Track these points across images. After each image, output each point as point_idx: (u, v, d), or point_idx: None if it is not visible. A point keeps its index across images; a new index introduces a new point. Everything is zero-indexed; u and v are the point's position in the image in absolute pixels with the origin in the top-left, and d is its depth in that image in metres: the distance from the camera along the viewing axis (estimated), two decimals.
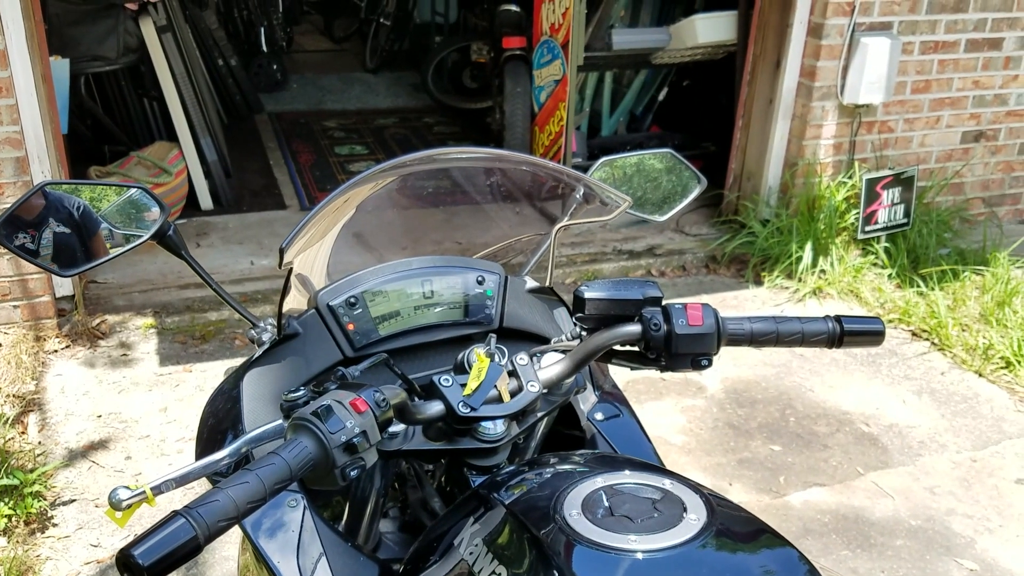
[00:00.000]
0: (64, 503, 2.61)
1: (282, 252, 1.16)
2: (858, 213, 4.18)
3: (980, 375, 3.51)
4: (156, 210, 1.29)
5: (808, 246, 4.08)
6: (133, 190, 1.30)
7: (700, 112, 5.27)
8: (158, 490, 0.94)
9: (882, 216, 4.24)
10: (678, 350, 1.13)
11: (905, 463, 3.00)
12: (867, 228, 4.21)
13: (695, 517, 0.93)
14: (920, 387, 3.43)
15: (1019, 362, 3.48)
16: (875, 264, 4.18)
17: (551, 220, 1.51)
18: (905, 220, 4.29)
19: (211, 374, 3.23)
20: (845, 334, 1.19)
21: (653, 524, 0.91)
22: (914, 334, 3.79)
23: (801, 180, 4.25)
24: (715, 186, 4.48)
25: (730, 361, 3.51)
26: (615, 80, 5.21)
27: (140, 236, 1.28)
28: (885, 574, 2.51)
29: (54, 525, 2.53)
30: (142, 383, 3.18)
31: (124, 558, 0.79)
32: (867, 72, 3.99)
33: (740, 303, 3.98)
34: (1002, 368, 3.52)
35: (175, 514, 0.82)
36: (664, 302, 1.16)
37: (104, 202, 1.32)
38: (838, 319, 1.14)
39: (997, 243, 4.28)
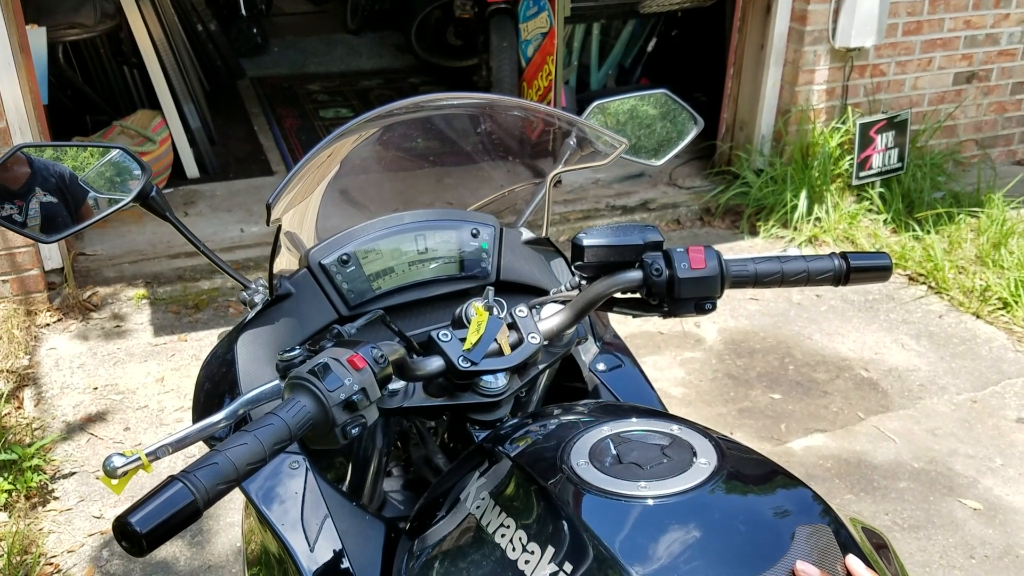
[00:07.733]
0: (64, 476, 2.59)
1: (269, 208, 1.12)
2: (852, 159, 4.14)
3: (978, 317, 3.50)
4: (138, 171, 1.25)
5: (803, 194, 4.04)
6: (114, 151, 1.26)
7: (690, 62, 5.20)
8: (154, 456, 0.91)
9: (876, 161, 4.20)
10: (681, 294, 1.10)
11: (905, 406, 3.00)
12: (861, 174, 4.17)
13: (705, 461, 0.91)
14: (919, 331, 3.43)
15: (1016, 302, 3.47)
16: (870, 210, 4.16)
17: (544, 170, 1.47)
18: (899, 164, 4.26)
19: (206, 343, 3.20)
20: (852, 270, 1.17)
21: (663, 470, 0.89)
22: (911, 278, 3.77)
23: (794, 127, 4.20)
24: (707, 137, 4.43)
25: (727, 312, 3.50)
26: (603, 32, 5.13)
27: (123, 198, 1.25)
28: (889, 516, 2.52)
29: (55, 498, 2.52)
30: (137, 354, 3.15)
31: (121, 526, 0.77)
32: (858, 14, 3.92)
33: (736, 254, 3.94)
34: (1000, 309, 3.51)
35: (172, 479, 0.80)
36: (665, 246, 1.13)
37: (86, 165, 1.28)
38: (844, 256, 1.11)
39: (991, 185, 4.25)
